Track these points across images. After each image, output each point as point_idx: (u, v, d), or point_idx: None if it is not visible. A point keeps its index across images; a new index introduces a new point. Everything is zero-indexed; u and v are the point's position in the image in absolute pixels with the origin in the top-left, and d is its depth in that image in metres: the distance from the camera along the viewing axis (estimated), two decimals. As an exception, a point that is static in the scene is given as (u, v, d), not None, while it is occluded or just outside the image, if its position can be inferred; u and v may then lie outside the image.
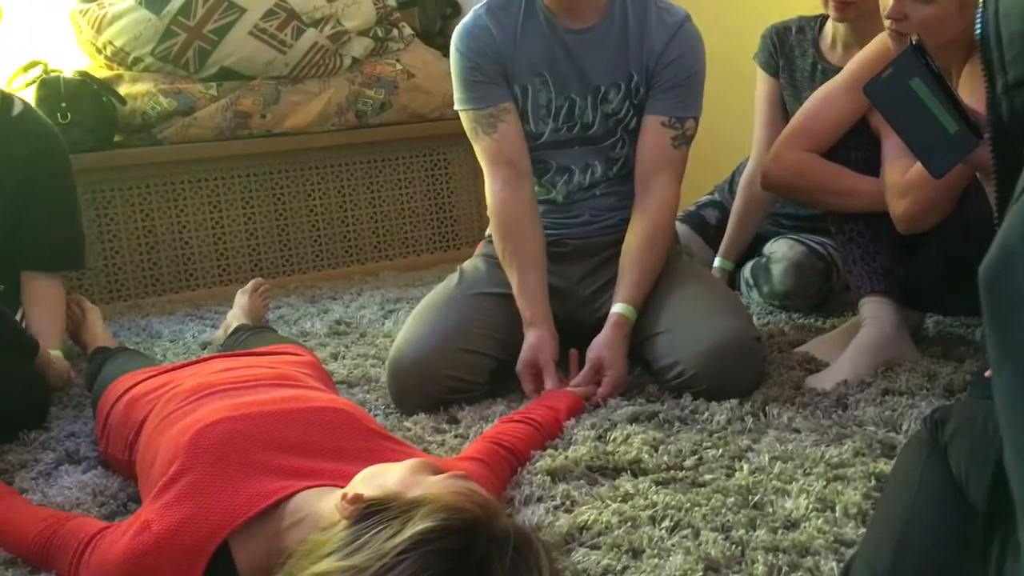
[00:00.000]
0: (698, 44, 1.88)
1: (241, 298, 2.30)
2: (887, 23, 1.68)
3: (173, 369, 1.60)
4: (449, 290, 1.92)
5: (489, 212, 1.91)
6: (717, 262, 2.36)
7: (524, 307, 1.81)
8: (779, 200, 2.38)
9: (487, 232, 2.01)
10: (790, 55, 2.28)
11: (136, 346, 2.27)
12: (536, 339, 1.78)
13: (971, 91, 1.60)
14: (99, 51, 2.97)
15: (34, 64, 2.78)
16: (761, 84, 2.34)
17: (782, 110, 2.30)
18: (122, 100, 2.85)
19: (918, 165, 1.64)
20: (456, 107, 1.93)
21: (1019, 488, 0.63)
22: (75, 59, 3.00)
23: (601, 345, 1.76)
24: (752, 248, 2.39)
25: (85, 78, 2.80)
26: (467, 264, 2.00)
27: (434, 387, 1.73)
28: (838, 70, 2.20)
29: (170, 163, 2.90)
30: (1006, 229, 0.63)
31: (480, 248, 2.04)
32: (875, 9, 2.04)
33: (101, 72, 2.94)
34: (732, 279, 2.42)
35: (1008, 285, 0.62)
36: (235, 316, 2.24)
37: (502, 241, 1.87)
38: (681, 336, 1.74)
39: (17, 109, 2.09)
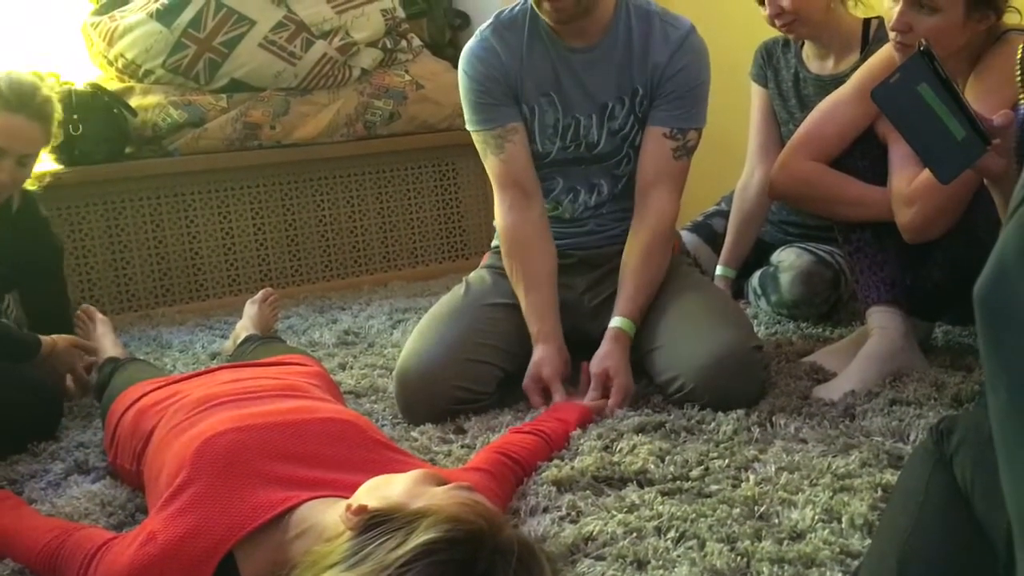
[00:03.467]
0: (703, 55, 1.87)
1: (250, 308, 2.31)
2: (892, 35, 1.67)
3: (181, 380, 1.60)
4: (455, 301, 1.91)
5: (497, 231, 1.92)
6: (719, 270, 2.38)
7: (532, 323, 1.81)
8: (784, 207, 2.38)
9: (493, 243, 2.02)
10: (777, 66, 2.37)
11: (146, 356, 2.28)
12: (543, 355, 1.78)
13: (976, 101, 1.59)
14: (111, 63, 2.99)
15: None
16: (754, 96, 2.42)
17: (773, 119, 2.39)
18: (133, 112, 2.87)
19: (924, 174, 1.64)
20: (467, 127, 1.93)
21: (1014, 504, 0.63)
22: (87, 71, 3.03)
23: (603, 357, 1.75)
24: (760, 257, 2.39)
25: (96, 90, 2.82)
26: (472, 276, 2.00)
27: (441, 398, 1.73)
28: (816, 78, 2.25)
29: (180, 174, 2.91)
30: (1001, 246, 0.63)
31: (486, 259, 2.04)
32: (823, 21, 2.15)
33: (112, 84, 2.96)
34: (739, 287, 2.42)
35: (1003, 303, 0.62)
36: (244, 326, 2.24)
37: (509, 261, 1.87)
38: (679, 350, 1.73)
39: (15, 205, 2.10)
